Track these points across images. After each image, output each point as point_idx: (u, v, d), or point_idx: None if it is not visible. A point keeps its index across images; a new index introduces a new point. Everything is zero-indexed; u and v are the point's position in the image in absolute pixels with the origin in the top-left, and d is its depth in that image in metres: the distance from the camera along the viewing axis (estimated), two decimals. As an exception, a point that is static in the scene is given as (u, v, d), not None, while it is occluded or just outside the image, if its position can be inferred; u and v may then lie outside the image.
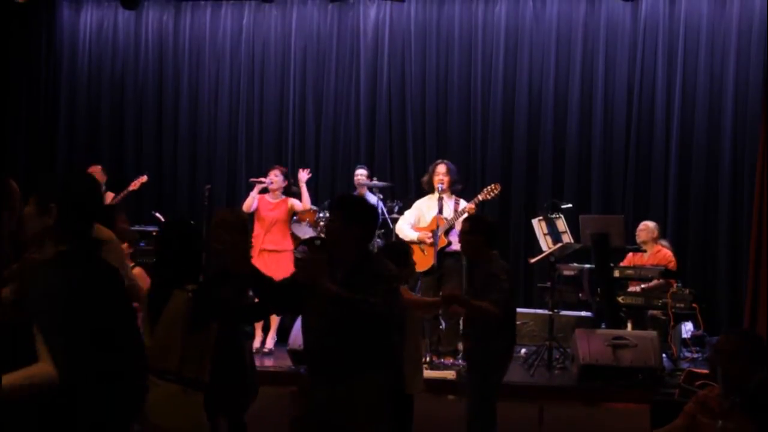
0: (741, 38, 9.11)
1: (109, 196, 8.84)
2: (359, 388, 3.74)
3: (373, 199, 8.67)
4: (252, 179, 8.27)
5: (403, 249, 5.17)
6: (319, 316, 3.84)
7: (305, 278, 3.68)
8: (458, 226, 7.35)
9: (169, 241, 3.74)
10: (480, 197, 7.47)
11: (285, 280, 3.90)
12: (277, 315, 7.15)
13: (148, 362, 3.51)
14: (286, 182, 8.06)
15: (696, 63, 9.27)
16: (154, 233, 8.92)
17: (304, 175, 8.19)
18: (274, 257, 7.58)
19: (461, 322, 6.22)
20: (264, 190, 8.02)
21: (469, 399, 5.01)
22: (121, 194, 8.78)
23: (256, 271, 3.83)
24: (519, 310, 8.39)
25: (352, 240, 3.84)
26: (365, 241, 3.96)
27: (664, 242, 8.31)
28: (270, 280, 3.81)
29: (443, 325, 7.40)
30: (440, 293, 5.11)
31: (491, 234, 5.08)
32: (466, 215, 7.09)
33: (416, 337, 5.05)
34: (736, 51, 9.11)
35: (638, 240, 8.14)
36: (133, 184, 8.84)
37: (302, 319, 4.10)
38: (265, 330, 7.74)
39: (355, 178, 8.99)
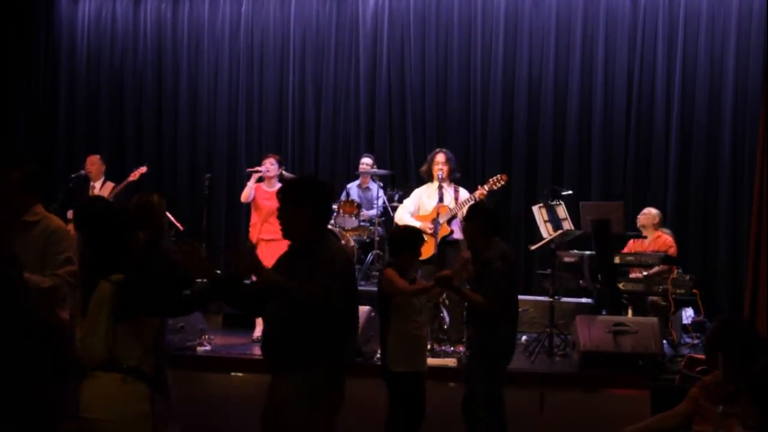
0: (741, 23, 9.09)
1: (109, 187, 8.85)
2: (296, 381, 3.54)
3: (375, 187, 8.68)
4: (249, 170, 8.26)
5: (404, 236, 5.19)
6: (271, 307, 3.71)
7: (241, 267, 3.52)
8: (461, 215, 7.40)
9: (95, 229, 3.59)
10: (487, 187, 7.44)
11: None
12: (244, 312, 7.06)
13: (80, 355, 3.48)
14: (281, 169, 8.06)
15: (696, 48, 9.25)
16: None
17: None
18: (271, 246, 7.52)
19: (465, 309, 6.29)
20: (260, 179, 8.03)
21: (473, 388, 5.03)
22: (121, 185, 8.78)
23: (217, 276, 3.65)
24: (519, 297, 8.44)
25: (304, 223, 3.64)
26: (319, 223, 3.73)
27: (665, 230, 8.31)
28: (233, 280, 3.65)
29: (444, 312, 7.41)
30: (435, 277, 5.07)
31: (489, 220, 5.09)
32: (471, 203, 7.14)
33: (397, 315, 5.05)
34: (736, 35, 9.09)
35: (638, 224, 8.13)
36: (132, 174, 8.84)
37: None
38: (266, 320, 7.74)
39: (360, 166, 9.01)
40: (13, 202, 4.08)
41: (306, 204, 3.65)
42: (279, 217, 3.73)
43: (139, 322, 3.50)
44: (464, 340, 7.11)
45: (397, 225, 7.43)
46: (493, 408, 4.98)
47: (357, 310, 3.87)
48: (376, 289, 5.24)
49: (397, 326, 4.94)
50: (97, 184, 8.91)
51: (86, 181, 8.96)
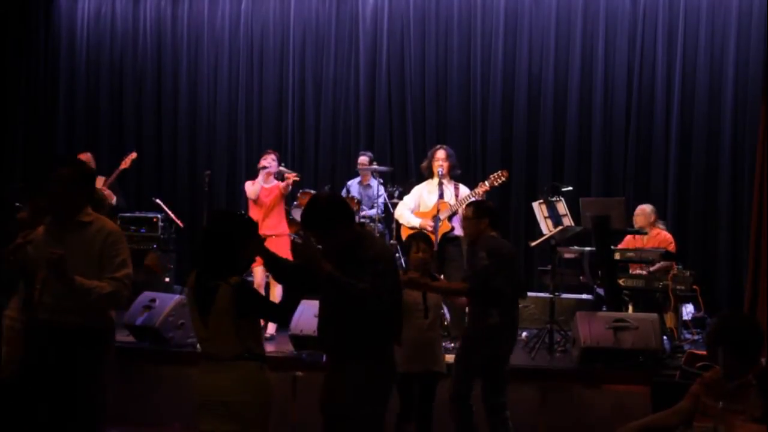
0: (741, 19, 9.08)
1: (100, 180, 8.85)
2: (349, 373, 3.84)
3: (375, 184, 8.68)
4: (259, 166, 8.03)
5: (406, 240, 5.41)
6: (325, 303, 3.99)
7: (301, 260, 3.77)
8: (461, 212, 7.39)
9: (213, 233, 3.82)
10: (488, 183, 7.45)
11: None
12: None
13: (210, 349, 3.76)
14: (280, 166, 8.06)
15: (696, 44, 9.24)
16: (155, 219, 8.94)
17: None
18: (272, 242, 7.56)
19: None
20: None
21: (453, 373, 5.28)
22: (114, 174, 8.80)
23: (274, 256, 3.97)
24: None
25: (342, 237, 3.89)
26: (350, 228, 3.95)
27: (661, 225, 8.31)
28: (288, 262, 3.97)
29: (445, 309, 7.41)
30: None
31: (495, 217, 5.41)
32: (472, 199, 7.15)
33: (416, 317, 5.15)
34: (737, 31, 9.08)
35: (636, 225, 8.12)
36: (123, 162, 8.89)
37: (320, 303, 4.18)
38: (266, 316, 7.75)
39: (359, 164, 9.02)
40: (65, 200, 4.12)
41: (334, 222, 3.87)
42: (320, 243, 3.91)
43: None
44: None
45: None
46: (459, 393, 5.17)
47: (401, 304, 4.10)
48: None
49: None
50: (90, 180, 8.91)
51: None
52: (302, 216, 3.98)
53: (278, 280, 4.01)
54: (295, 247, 3.81)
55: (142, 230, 8.95)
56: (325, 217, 3.88)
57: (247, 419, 3.67)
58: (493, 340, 5.22)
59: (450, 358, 6.60)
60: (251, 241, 3.81)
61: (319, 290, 4.03)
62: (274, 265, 3.96)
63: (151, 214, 9.12)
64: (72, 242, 4.04)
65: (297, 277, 3.90)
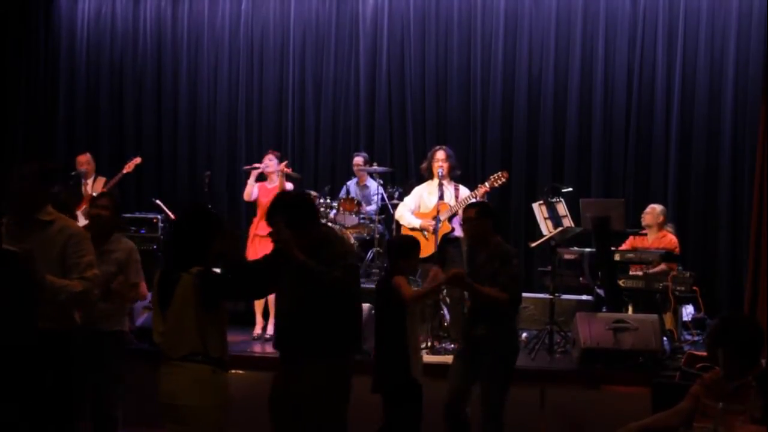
0: (741, 19, 9.09)
1: (101, 181, 8.85)
2: (329, 372, 3.88)
3: (373, 184, 8.68)
4: (246, 167, 8.23)
5: (407, 242, 5.30)
6: (290, 298, 4.00)
7: (279, 245, 3.82)
8: (461, 213, 7.40)
9: (181, 227, 3.84)
10: (488, 184, 7.45)
11: (257, 263, 4.08)
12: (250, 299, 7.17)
13: (163, 346, 3.69)
14: (282, 166, 8.05)
15: (696, 45, 9.24)
16: (155, 220, 8.95)
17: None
18: (263, 243, 7.55)
19: (466, 306, 6.33)
20: (261, 177, 8.01)
21: (484, 383, 5.11)
22: (115, 178, 8.80)
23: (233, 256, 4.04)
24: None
25: (311, 235, 3.96)
26: (318, 227, 4.08)
27: (669, 228, 8.29)
28: (244, 263, 3.97)
29: (445, 310, 7.41)
30: (445, 274, 5.13)
31: (497, 219, 5.38)
32: (472, 200, 7.14)
33: (412, 322, 5.08)
34: (737, 32, 9.09)
35: (643, 223, 8.12)
36: (126, 166, 8.88)
37: (275, 301, 4.22)
38: (266, 316, 7.75)
39: (354, 166, 9.02)
40: (23, 198, 4.04)
41: (306, 221, 3.97)
42: (299, 239, 3.91)
43: (220, 312, 3.74)
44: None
45: (397, 235, 7.48)
46: (498, 406, 5.06)
47: (360, 303, 4.21)
48: (374, 286, 5.30)
49: (413, 335, 4.98)
50: (90, 181, 8.93)
51: (79, 178, 8.97)
52: (280, 208, 3.97)
53: (234, 278, 3.93)
54: (271, 234, 3.86)
55: (142, 231, 8.94)
56: (300, 212, 3.98)
57: (192, 423, 3.61)
58: (518, 345, 5.38)
59: (450, 359, 6.62)
60: (219, 236, 3.78)
61: (279, 290, 4.09)
62: (234, 262, 3.98)
63: (151, 215, 9.12)
64: (32, 242, 3.91)
65: (253, 279, 3.97)
